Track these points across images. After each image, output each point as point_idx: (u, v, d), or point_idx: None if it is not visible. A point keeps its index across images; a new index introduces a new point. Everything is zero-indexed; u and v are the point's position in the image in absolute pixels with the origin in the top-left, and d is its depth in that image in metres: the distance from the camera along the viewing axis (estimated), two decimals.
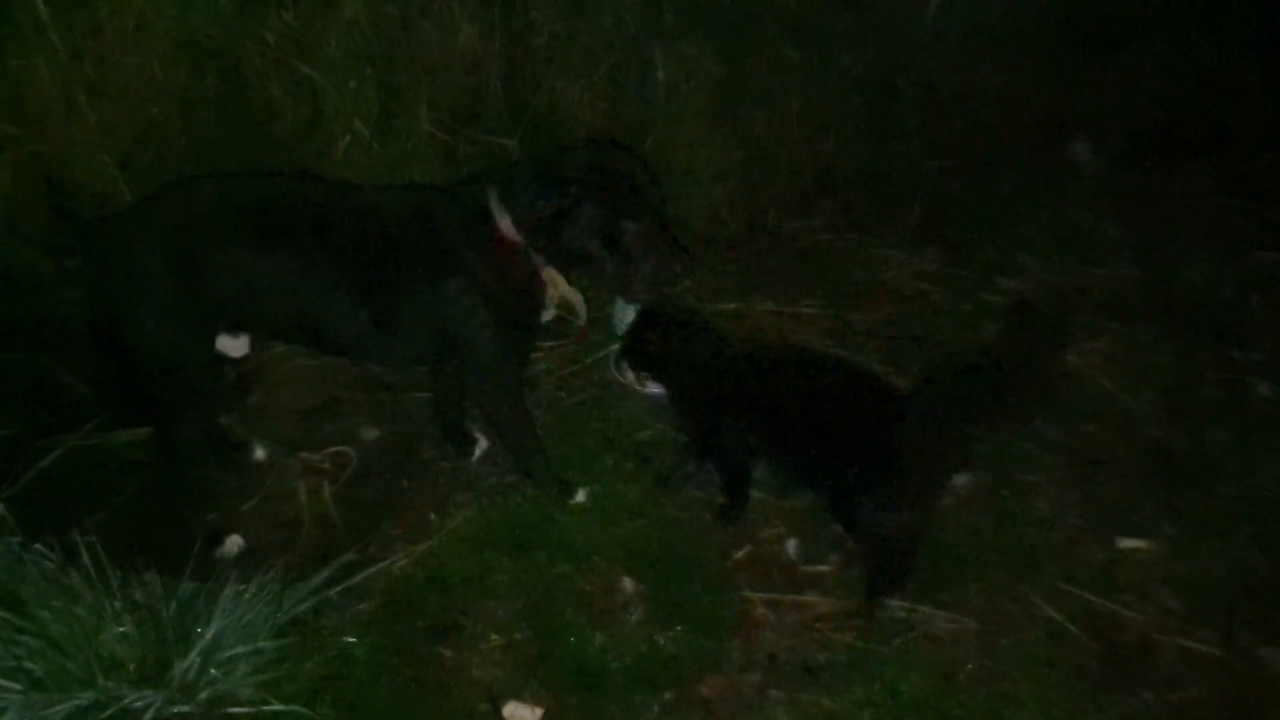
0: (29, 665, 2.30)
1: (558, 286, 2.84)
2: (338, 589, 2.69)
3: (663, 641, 2.72)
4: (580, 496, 3.05)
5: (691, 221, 4.41)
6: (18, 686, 2.29)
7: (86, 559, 2.44)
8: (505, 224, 2.72)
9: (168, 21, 3.34)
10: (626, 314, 3.46)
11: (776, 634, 2.77)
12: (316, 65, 3.53)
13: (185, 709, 2.34)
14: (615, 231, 2.69)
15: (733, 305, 4.03)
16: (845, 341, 3.85)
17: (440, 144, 3.83)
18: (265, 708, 2.38)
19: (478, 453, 3.29)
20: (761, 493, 3.18)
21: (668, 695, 2.59)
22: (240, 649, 2.43)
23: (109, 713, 2.26)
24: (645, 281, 2.78)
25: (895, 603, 2.85)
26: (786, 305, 4.04)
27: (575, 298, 2.89)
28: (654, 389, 3.47)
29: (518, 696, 2.57)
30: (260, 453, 3.23)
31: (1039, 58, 5.16)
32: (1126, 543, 3.11)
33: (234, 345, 2.83)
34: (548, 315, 2.94)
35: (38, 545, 2.53)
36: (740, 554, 3.01)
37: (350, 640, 2.64)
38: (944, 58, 4.93)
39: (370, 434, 3.34)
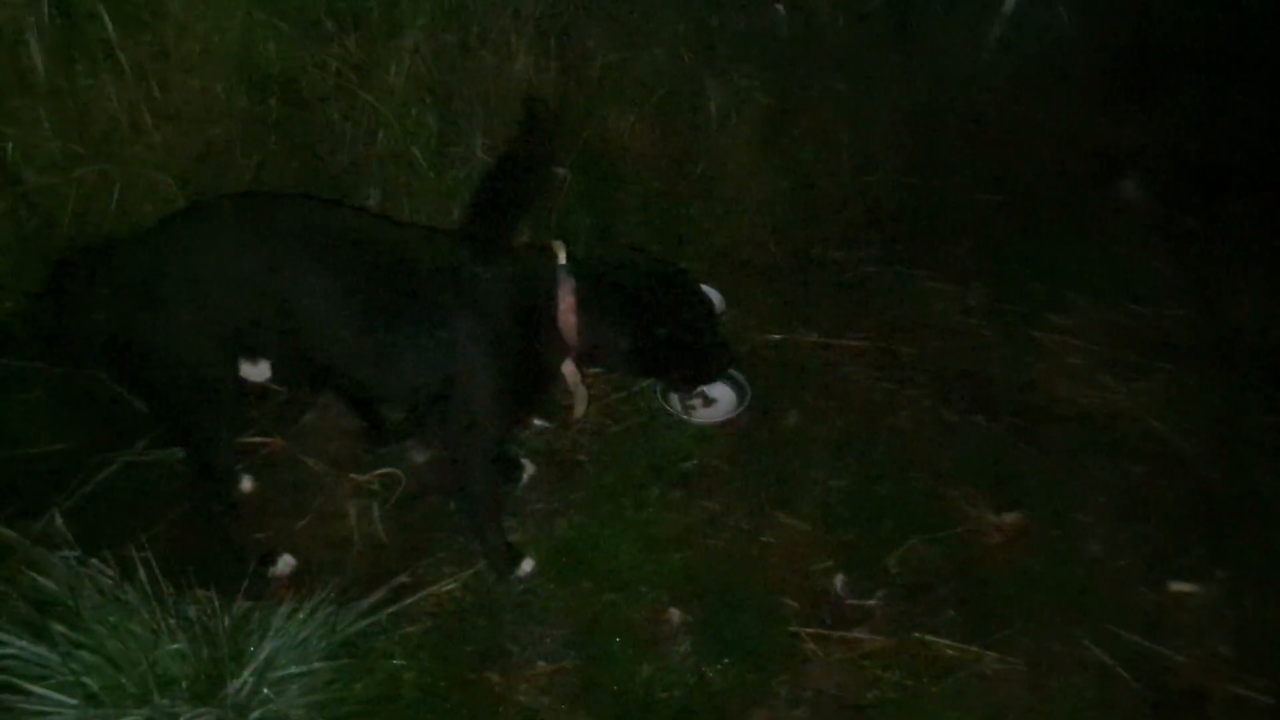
0: (85, 680, 2.31)
1: (570, 378, 2.86)
2: (388, 611, 2.70)
3: (710, 674, 2.72)
4: (526, 568, 2.98)
5: (737, 251, 4.43)
6: (74, 701, 2.30)
7: (142, 575, 2.47)
8: (564, 316, 2.73)
9: (232, 45, 3.38)
10: None
11: (824, 670, 2.77)
12: (376, 92, 3.57)
13: None
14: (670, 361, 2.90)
15: (777, 336, 4.02)
16: (893, 374, 3.84)
17: None
18: None
19: (525, 479, 3.30)
20: (809, 525, 3.19)
21: None
22: (293, 669, 2.44)
23: None
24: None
25: (945, 642, 2.84)
26: (832, 337, 4.03)
27: (581, 393, 2.91)
28: (702, 418, 3.48)
29: None
30: (248, 484, 3.20)
31: (1088, 94, 5.14)
32: (1178, 586, 3.09)
33: (255, 371, 2.83)
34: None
35: (94, 560, 2.56)
36: (788, 588, 3.01)
37: (399, 663, 2.66)
38: (993, 92, 4.92)
39: (419, 457, 3.35)
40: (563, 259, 2.77)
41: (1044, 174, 5.00)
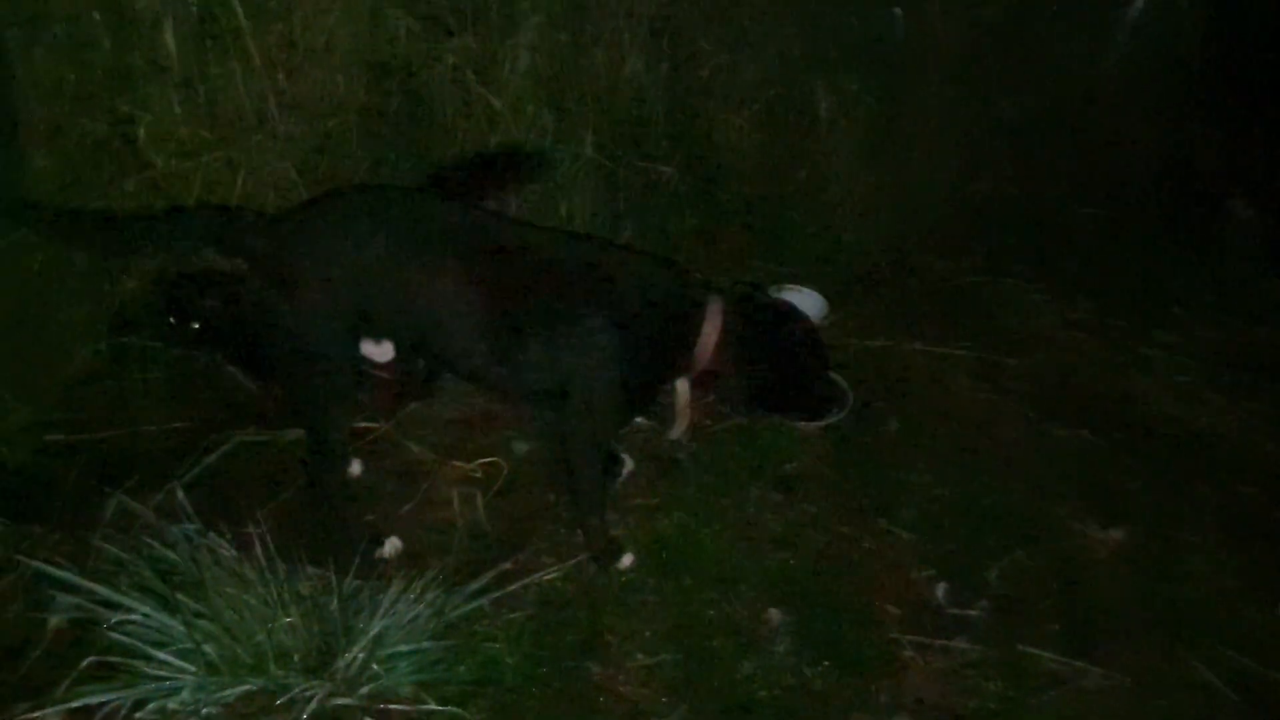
0: (205, 649, 2.38)
1: (681, 397, 2.89)
2: (491, 597, 2.74)
3: (810, 675, 2.71)
4: (627, 561, 2.99)
5: (839, 256, 4.42)
6: (193, 669, 2.38)
7: (259, 550, 2.54)
8: (705, 338, 2.78)
9: (355, 39, 3.47)
10: None
11: (924, 678, 2.75)
12: (492, 88, 3.63)
13: (347, 701, 2.40)
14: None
15: (879, 342, 4.01)
16: (995, 385, 3.80)
17: (602, 169, 3.90)
18: (423, 706, 2.44)
19: (624, 473, 3.32)
20: (909, 533, 3.17)
21: None
22: (402, 647, 2.49)
23: (279, 701, 2.35)
24: None
25: (1047, 655, 2.81)
26: (934, 345, 4.01)
27: (686, 417, 2.94)
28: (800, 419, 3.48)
29: (665, 718, 2.59)
30: (356, 468, 3.24)
31: (1203, 110, 5.05)
32: None
33: (378, 351, 2.89)
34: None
35: (212, 533, 2.63)
36: (888, 594, 2.99)
37: (500, 647, 2.68)
38: (1106, 104, 4.85)
39: (521, 448, 3.38)
40: None
41: (1154, 188, 4.92)
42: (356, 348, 2.77)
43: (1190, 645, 2.88)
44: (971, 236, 4.62)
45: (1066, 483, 3.39)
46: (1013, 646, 2.84)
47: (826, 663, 2.74)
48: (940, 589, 3.00)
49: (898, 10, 4.27)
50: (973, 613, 2.94)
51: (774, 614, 2.88)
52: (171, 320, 3.41)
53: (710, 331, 2.78)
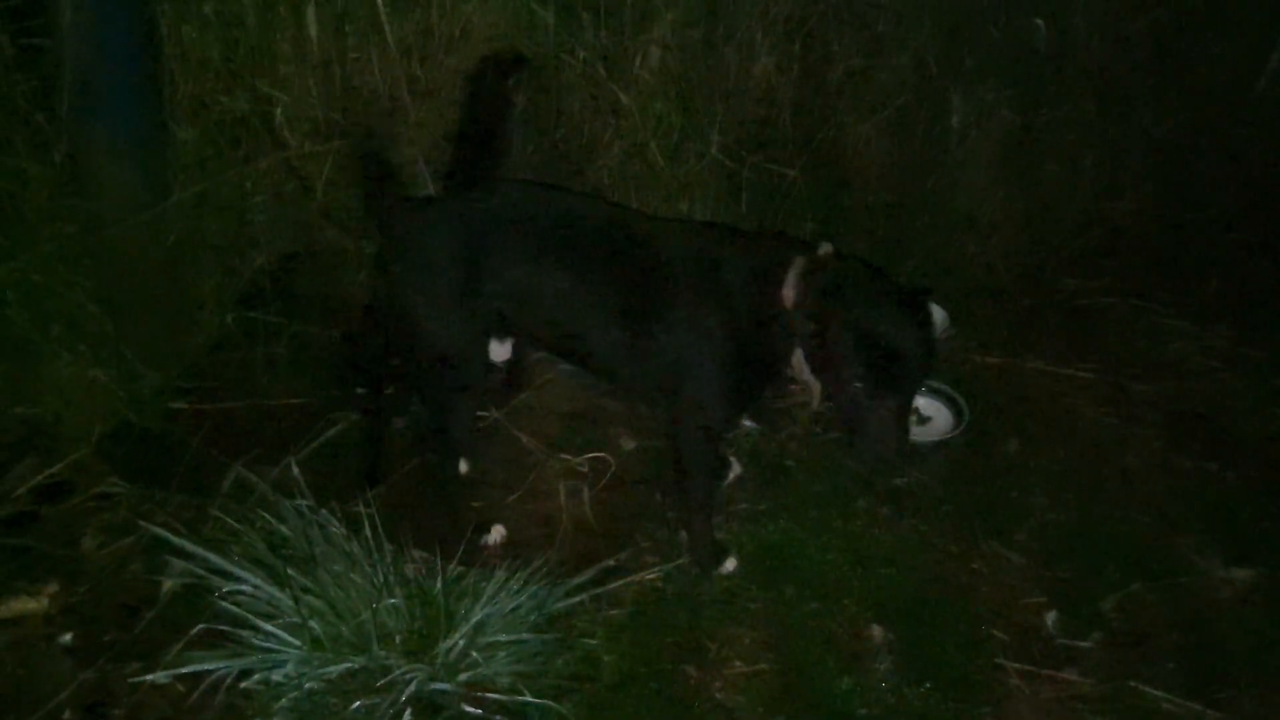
0: (311, 624, 2.42)
1: (799, 371, 2.83)
2: (592, 592, 2.74)
3: (911, 696, 2.65)
4: (729, 566, 2.96)
5: (964, 268, 4.32)
6: (298, 643, 2.42)
7: (368, 530, 2.57)
8: (785, 289, 2.62)
9: (490, 29, 3.50)
10: None
11: (1031, 708, 2.67)
12: (620, 83, 3.63)
13: (445, 687, 2.42)
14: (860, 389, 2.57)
15: (998, 359, 3.91)
16: (1121, 411, 3.67)
17: (725, 169, 3.87)
18: (519, 698, 2.44)
19: (730, 477, 3.29)
20: (1022, 557, 3.08)
21: None
22: (503, 637, 2.50)
23: (379, 682, 2.37)
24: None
25: (1161, 694, 2.70)
26: (1058, 365, 3.89)
27: (815, 386, 2.80)
28: (916, 435, 3.39)
29: None
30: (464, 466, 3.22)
31: None
32: None
33: (498, 350, 2.91)
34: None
35: (323, 510, 2.67)
36: (996, 619, 2.91)
37: (599, 644, 2.68)
38: (1258, 127, 4.65)
39: (629, 444, 3.38)
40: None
41: None
42: (486, 344, 2.81)
43: None
44: (1105, 256, 4.47)
45: (1192, 517, 3.26)
46: (1125, 682, 2.74)
47: (928, 684, 2.68)
48: (1050, 617, 2.92)
49: (1040, 21, 4.15)
50: (1084, 644, 2.85)
51: (876, 630, 2.83)
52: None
53: (790, 280, 2.59)
